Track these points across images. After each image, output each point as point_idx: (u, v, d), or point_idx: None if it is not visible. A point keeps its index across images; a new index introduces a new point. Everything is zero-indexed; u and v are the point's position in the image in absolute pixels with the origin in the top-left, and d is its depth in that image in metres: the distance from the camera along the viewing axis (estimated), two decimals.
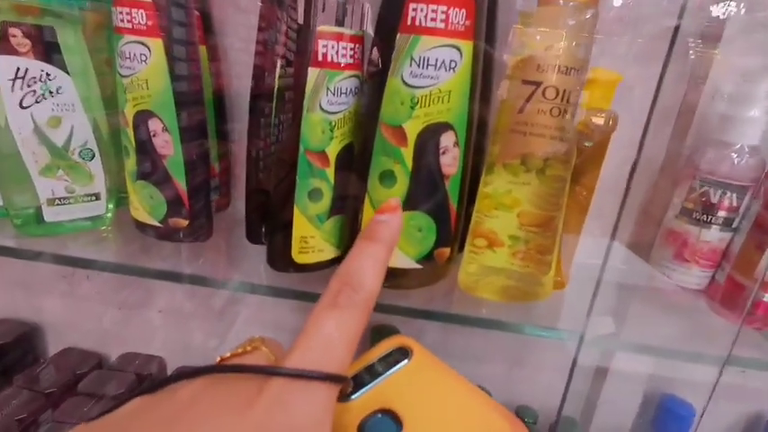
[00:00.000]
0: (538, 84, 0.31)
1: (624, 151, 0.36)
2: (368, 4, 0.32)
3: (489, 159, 0.35)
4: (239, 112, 0.44)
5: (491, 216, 0.37)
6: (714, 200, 0.36)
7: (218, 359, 0.20)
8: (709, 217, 0.36)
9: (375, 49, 0.31)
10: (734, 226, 0.36)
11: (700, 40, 0.40)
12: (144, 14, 0.32)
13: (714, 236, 0.37)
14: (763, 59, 0.36)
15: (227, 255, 0.40)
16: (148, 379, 0.55)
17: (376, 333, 0.49)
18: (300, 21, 0.31)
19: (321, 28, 0.29)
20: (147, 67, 0.32)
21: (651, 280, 0.40)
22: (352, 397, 0.21)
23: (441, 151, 0.31)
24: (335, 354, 0.18)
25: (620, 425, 0.54)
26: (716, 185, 0.35)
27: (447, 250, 0.36)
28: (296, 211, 0.33)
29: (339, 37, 0.30)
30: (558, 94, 0.31)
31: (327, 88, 0.31)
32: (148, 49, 0.32)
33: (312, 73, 0.30)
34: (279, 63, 0.33)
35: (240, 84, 0.43)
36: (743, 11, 0.38)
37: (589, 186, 0.37)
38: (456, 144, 0.32)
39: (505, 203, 0.36)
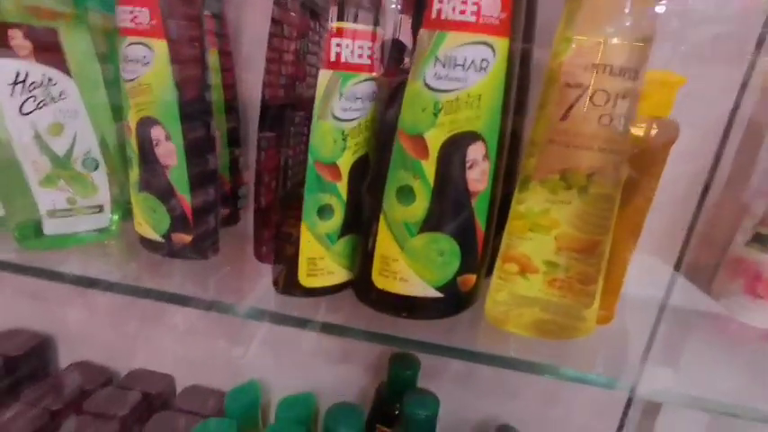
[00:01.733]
0: (585, 87, 0.26)
1: (684, 166, 0.31)
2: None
3: (524, 174, 0.31)
4: (253, 121, 0.42)
5: (524, 238, 0.32)
6: None
7: None
8: None
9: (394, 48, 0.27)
10: None
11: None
12: (148, 13, 0.29)
13: None
14: None
15: (232, 275, 0.37)
16: (155, 398, 0.53)
17: (395, 362, 0.45)
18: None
19: (334, 24, 0.26)
20: (150, 70, 0.30)
21: (714, 318, 0.34)
22: None
23: (467, 165, 0.27)
24: None
25: None
26: None
27: (472, 277, 0.31)
28: (303, 229, 0.30)
29: (354, 34, 0.26)
30: (608, 99, 0.26)
31: (341, 93, 0.27)
32: (151, 50, 0.30)
33: (324, 75, 0.27)
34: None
35: (253, 92, 0.41)
36: None
37: (642, 207, 0.32)
38: (486, 157, 0.28)
39: (542, 224, 0.31)
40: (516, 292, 0.33)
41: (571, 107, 0.27)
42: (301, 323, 0.32)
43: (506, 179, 0.31)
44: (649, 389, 0.28)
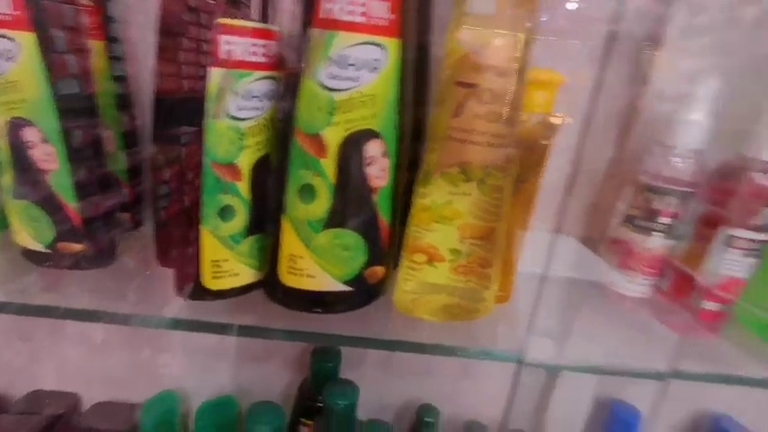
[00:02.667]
0: (473, 86, 0.28)
1: (569, 156, 0.34)
2: None
3: (425, 168, 0.32)
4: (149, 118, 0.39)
5: (430, 230, 0.34)
6: (657, 206, 0.34)
7: None
8: (652, 223, 0.35)
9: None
10: (677, 233, 0.35)
11: (646, 43, 0.39)
12: (9, 2, 0.26)
13: (657, 243, 0.36)
14: (703, 62, 0.35)
15: (132, 283, 0.34)
16: (61, 419, 0.48)
17: (316, 356, 0.45)
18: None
19: (222, 21, 0.25)
20: (16, 65, 0.27)
21: (598, 289, 0.39)
22: None
23: (366, 162, 0.28)
24: None
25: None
26: (658, 191, 0.34)
27: (380, 269, 0.32)
28: (204, 231, 0.29)
29: (245, 32, 0.26)
30: (495, 97, 0.28)
31: (235, 91, 0.26)
32: (16, 43, 0.27)
33: (215, 74, 0.26)
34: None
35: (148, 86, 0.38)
36: (684, 14, 0.37)
37: (530, 194, 0.35)
38: (385, 154, 0.28)
39: (446, 216, 0.33)
40: (424, 281, 0.34)
41: (463, 105, 0.28)
42: (217, 328, 0.31)
43: (410, 174, 0.32)
44: (536, 357, 0.31)
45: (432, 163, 0.32)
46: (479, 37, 0.28)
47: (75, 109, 0.30)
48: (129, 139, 0.38)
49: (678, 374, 0.31)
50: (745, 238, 0.32)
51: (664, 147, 0.34)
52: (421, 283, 0.35)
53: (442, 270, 0.34)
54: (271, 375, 0.49)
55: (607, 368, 0.34)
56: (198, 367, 0.49)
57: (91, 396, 0.52)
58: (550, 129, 0.32)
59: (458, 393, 0.51)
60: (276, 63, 0.28)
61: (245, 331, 0.32)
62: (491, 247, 0.34)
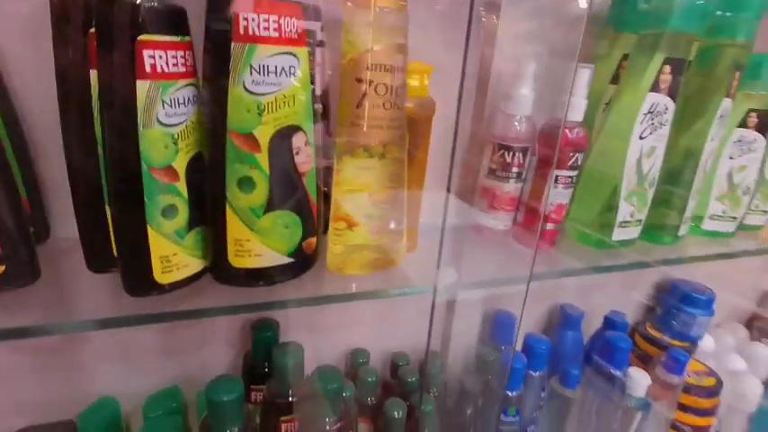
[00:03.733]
0: (368, 81, 0.35)
1: (447, 124, 0.43)
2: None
3: (337, 150, 0.39)
4: (43, 128, 0.38)
5: (346, 200, 0.40)
6: (508, 160, 0.46)
7: None
8: (507, 173, 0.47)
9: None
10: (523, 177, 0.48)
11: (482, 9, 0.49)
12: None
13: (512, 187, 0.48)
14: (532, 26, 0.47)
15: (64, 293, 0.35)
16: None
17: (257, 329, 0.50)
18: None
19: (143, 37, 0.27)
20: None
21: (476, 228, 0.51)
22: None
23: (294, 152, 0.33)
24: None
25: (469, 344, 0.67)
26: (507, 149, 0.46)
27: (313, 240, 0.38)
28: (150, 231, 0.32)
29: (166, 45, 0.28)
30: (387, 89, 0.35)
31: (163, 101, 0.29)
32: None
33: (141, 86, 0.28)
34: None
35: (40, 95, 0.37)
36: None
37: (421, 161, 0.44)
38: (307, 143, 0.34)
39: (357, 187, 0.40)
40: (348, 243, 0.42)
41: (363, 97, 0.35)
42: (162, 317, 0.34)
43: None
44: (444, 286, 0.41)
45: (341, 145, 0.38)
46: (366, 41, 0.35)
47: None
48: (19, 153, 0.37)
49: (535, 277, 0.44)
50: (565, 176, 0.46)
51: (507, 115, 0.46)
52: (346, 245, 0.42)
53: (359, 232, 0.41)
54: (211, 359, 0.52)
55: (490, 281, 0.45)
56: (137, 368, 0.49)
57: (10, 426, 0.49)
58: (429, 107, 0.41)
59: (382, 334, 0.61)
60: (194, 71, 0.31)
61: (191, 315, 0.35)
62: (398, 207, 0.43)
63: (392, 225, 0.43)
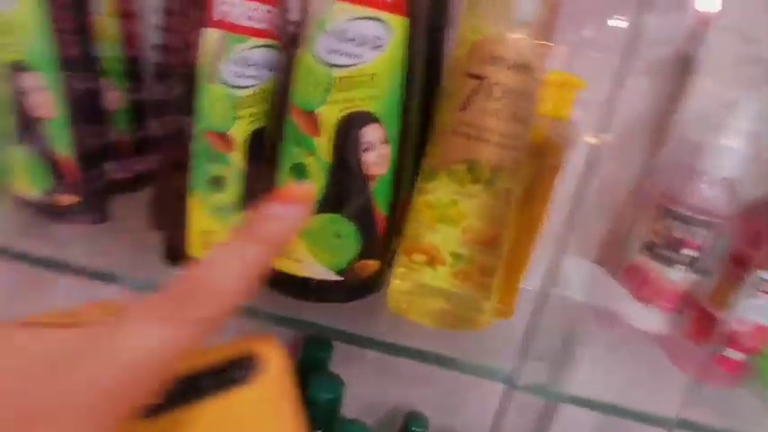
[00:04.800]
0: (483, 78, 0.26)
1: (586, 169, 0.31)
2: None
3: (430, 162, 0.30)
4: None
5: (433, 229, 0.31)
6: (680, 235, 0.31)
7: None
8: (674, 254, 0.31)
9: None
10: (701, 267, 0.32)
11: (678, 63, 0.36)
12: None
13: (678, 276, 0.32)
14: (743, 88, 0.31)
15: (123, 243, 0.34)
16: None
17: (308, 345, 0.44)
18: None
19: None
20: (14, 7, 0.27)
21: (607, 317, 0.36)
22: (151, 417, 0.16)
23: (363, 147, 0.26)
24: (141, 380, 0.14)
25: None
26: (682, 218, 0.31)
27: (372, 263, 0.30)
28: (191, 200, 0.28)
29: None
30: (505, 93, 0.26)
31: (230, 57, 0.25)
32: None
33: (209, 35, 0.24)
34: None
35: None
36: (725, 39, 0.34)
37: (540, 204, 0.32)
38: (385, 140, 0.26)
39: (451, 216, 0.31)
40: (421, 282, 0.32)
41: (470, 98, 0.26)
42: None
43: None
44: (528, 380, 0.28)
45: (436, 157, 0.30)
46: (493, 27, 0.25)
47: (76, 60, 0.29)
48: (141, 107, 0.38)
49: (687, 424, 0.28)
50: None
51: (693, 171, 0.31)
52: (417, 284, 0.32)
53: (441, 273, 0.32)
54: None
55: (608, 406, 0.30)
56: None
57: None
58: (567, 136, 0.30)
59: (451, 406, 0.49)
60: (278, 32, 0.26)
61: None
62: (495, 255, 0.32)
63: (483, 275, 0.32)
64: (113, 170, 0.34)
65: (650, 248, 0.33)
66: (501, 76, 0.25)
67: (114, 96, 0.33)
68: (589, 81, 0.29)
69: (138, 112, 0.38)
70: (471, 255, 0.31)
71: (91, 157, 0.32)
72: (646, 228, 0.34)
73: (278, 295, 0.31)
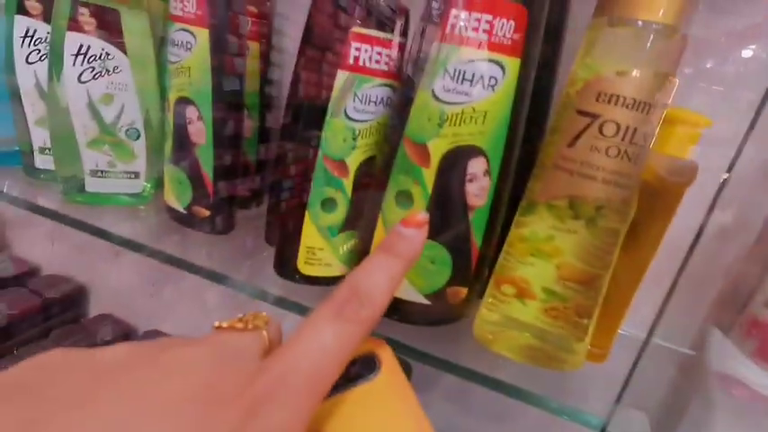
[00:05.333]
0: (595, 116, 0.26)
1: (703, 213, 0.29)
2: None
3: (529, 197, 0.31)
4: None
5: (525, 263, 0.32)
6: None
7: (216, 325, 0.19)
8: None
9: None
10: None
11: None
12: (194, 2, 0.32)
13: None
14: None
15: (242, 253, 0.39)
16: None
17: None
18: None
19: (355, 29, 0.27)
20: (190, 55, 0.33)
21: (720, 377, 0.32)
22: None
23: (467, 178, 0.28)
24: (327, 368, 0.17)
25: None
26: None
27: (463, 290, 0.31)
28: (307, 218, 0.31)
29: (373, 41, 0.28)
30: (618, 131, 0.26)
31: (355, 94, 0.29)
32: (194, 37, 0.33)
33: (341, 76, 0.28)
34: None
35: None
36: None
37: (648, 247, 0.31)
38: (487, 173, 0.28)
39: (545, 251, 0.31)
40: (509, 315, 0.32)
41: (579, 134, 0.27)
42: (302, 310, 0.34)
43: (512, 201, 0.31)
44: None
45: (536, 191, 0.30)
46: (610, 63, 0.26)
47: (226, 96, 0.35)
48: (265, 135, 0.44)
49: None
50: None
51: None
52: (505, 316, 0.33)
53: (531, 308, 0.32)
54: None
55: None
56: None
57: None
58: (683, 175, 0.28)
59: None
60: (396, 73, 0.29)
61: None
62: (592, 296, 0.31)
63: (577, 315, 0.31)
64: (239, 188, 0.39)
65: None
66: (615, 114, 0.25)
67: (248, 125, 0.39)
68: (716, 118, 0.28)
69: (263, 137, 0.43)
70: (565, 293, 0.31)
71: (223, 178, 0.37)
72: None
73: None
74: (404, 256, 0.20)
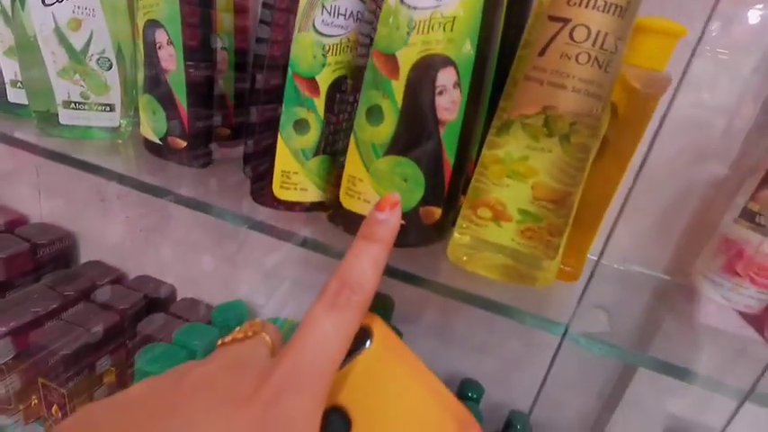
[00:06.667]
0: (566, 21, 0.26)
1: (679, 130, 0.29)
2: None
3: (501, 116, 0.30)
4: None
5: (501, 184, 0.32)
6: None
7: (219, 342, 0.22)
8: None
9: None
10: None
11: None
12: None
13: None
14: None
15: (223, 183, 0.39)
16: (154, 301, 0.57)
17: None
18: None
19: None
20: None
21: (687, 291, 0.33)
22: None
23: (437, 90, 0.27)
24: (330, 354, 0.19)
25: None
26: None
27: (436, 210, 0.32)
28: (279, 141, 0.31)
29: None
30: (589, 36, 0.25)
31: (323, 6, 0.28)
32: None
33: None
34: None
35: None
36: None
37: (620, 163, 0.31)
38: (457, 85, 0.27)
39: (520, 171, 0.31)
40: (484, 238, 0.33)
41: (550, 41, 0.26)
42: (284, 235, 0.34)
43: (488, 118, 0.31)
44: (583, 332, 0.28)
45: (508, 108, 0.30)
46: None
47: (195, 18, 0.34)
48: (242, 66, 0.43)
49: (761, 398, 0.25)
50: None
51: None
52: (479, 239, 0.33)
53: (507, 230, 0.32)
54: None
55: (683, 372, 0.29)
56: (267, 286, 0.54)
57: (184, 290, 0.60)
58: (656, 87, 0.28)
59: (507, 380, 0.48)
60: None
61: (307, 243, 0.34)
62: (563, 214, 0.31)
63: (550, 235, 0.32)
64: (215, 119, 0.39)
65: (749, 218, 0.30)
66: (586, 17, 0.25)
67: (224, 56, 0.38)
68: (693, 26, 0.27)
69: (240, 70, 0.43)
70: (539, 212, 0.31)
71: (198, 108, 0.37)
72: (745, 195, 0.31)
73: (343, 233, 0.33)
74: (383, 240, 0.22)
